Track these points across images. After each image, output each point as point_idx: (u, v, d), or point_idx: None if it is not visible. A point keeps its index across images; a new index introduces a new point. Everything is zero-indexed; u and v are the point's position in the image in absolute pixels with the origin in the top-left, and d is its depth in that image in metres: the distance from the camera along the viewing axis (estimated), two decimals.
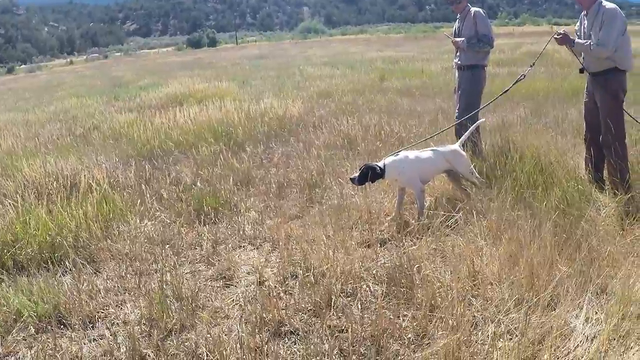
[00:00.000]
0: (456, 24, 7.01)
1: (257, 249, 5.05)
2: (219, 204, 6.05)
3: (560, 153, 6.11)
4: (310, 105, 11.92)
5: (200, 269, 4.72)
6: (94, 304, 4.15)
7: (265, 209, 5.98)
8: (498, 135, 7.02)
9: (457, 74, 6.97)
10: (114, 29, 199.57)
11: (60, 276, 4.68)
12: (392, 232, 4.96)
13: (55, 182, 7.11)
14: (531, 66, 6.12)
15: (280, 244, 4.84)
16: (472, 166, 5.65)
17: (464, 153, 5.63)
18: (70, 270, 4.74)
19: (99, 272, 4.81)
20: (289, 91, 14.68)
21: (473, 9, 6.73)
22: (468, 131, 5.80)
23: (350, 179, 5.33)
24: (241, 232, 5.36)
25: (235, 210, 6.00)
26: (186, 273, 4.63)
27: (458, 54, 6.86)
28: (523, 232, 4.18)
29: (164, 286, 4.17)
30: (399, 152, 5.53)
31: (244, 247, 5.13)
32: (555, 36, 5.50)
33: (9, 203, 5.92)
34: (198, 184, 6.74)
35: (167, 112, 12.38)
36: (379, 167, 5.21)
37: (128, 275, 4.61)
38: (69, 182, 6.86)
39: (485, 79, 6.87)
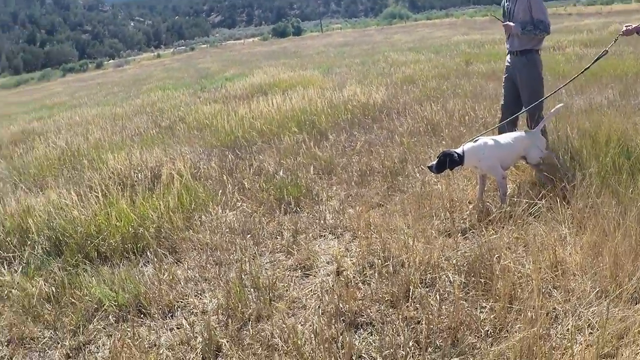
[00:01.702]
0: (505, 3, 6.50)
1: (337, 238, 5.10)
2: (301, 193, 6.15)
3: None
4: (394, 91, 11.84)
5: (280, 258, 4.83)
6: (173, 293, 4.34)
7: (347, 197, 6.02)
8: (584, 118, 6.73)
9: (508, 59, 6.52)
10: (199, 21, 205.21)
11: (142, 266, 4.94)
12: (474, 221, 4.86)
13: (139, 174, 7.42)
14: (615, 40, 5.75)
15: (360, 233, 4.85)
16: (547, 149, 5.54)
17: (542, 138, 5.51)
18: (151, 260, 4.97)
19: (180, 262, 5.01)
20: (374, 78, 14.64)
21: None
22: (547, 116, 5.67)
23: (428, 167, 5.26)
24: (322, 221, 5.43)
25: (316, 199, 6.08)
26: (266, 263, 4.75)
27: (509, 38, 6.43)
28: (607, 220, 4.01)
29: (243, 276, 4.30)
30: (477, 138, 5.40)
31: (324, 236, 5.20)
32: (623, 29, 5.38)
33: (93, 195, 6.20)
34: (280, 173, 6.85)
35: (251, 102, 12.64)
36: (457, 154, 5.13)
37: (208, 265, 4.78)
38: (152, 174, 7.11)
39: (541, 63, 6.40)
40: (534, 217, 4.54)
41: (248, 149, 8.54)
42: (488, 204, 5.19)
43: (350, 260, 4.49)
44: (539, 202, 4.63)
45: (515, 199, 4.92)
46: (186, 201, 6.10)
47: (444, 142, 7.15)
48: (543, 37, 6.22)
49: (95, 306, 4.34)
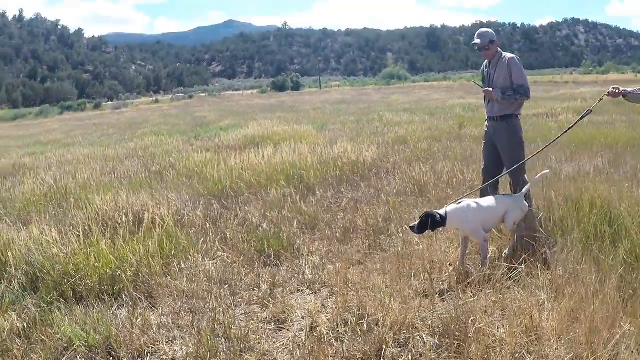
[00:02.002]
0: (485, 70, 6.66)
1: (314, 293, 5.13)
2: (282, 246, 6.19)
3: (634, 204, 5.89)
4: (385, 150, 12.03)
5: (255, 310, 4.84)
6: (145, 338, 4.34)
7: (328, 253, 6.06)
8: (571, 185, 6.86)
9: (487, 124, 6.63)
10: (200, 69, 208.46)
11: (116, 309, 4.92)
12: (453, 283, 4.92)
13: (123, 216, 7.44)
14: (599, 100, 5.84)
15: (337, 289, 4.87)
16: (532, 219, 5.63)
17: (524, 202, 5.56)
18: (126, 303, 4.98)
19: (155, 307, 5.01)
20: (366, 136, 14.87)
21: (507, 56, 6.31)
22: (532, 182, 5.81)
23: (410, 227, 5.33)
24: (300, 276, 5.47)
25: (297, 253, 6.12)
26: (240, 314, 4.77)
27: (489, 104, 6.55)
28: (586, 286, 4.08)
29: (216, 325, 4.29)
30: (460, 200, 5.49)
31: (302, 291, 5.23)
32: (610, 89, 5.60)
33: (75, 234, 6.22)
34: (264, 225, 6.89)
35: (242, 153, 12.75)
36: (440, 215, 5.20)
37: (182, 312, 4.79)
38: (136, 217, 7.16)
39: (521, 128, 6.50)
40: (513, 282, 4.60)
41: (235, 200, 8.60)
42: (468, 266, 5.25)
43: (325, 316, 4.50)
44: (518, 266, 4.68)
45: (496, 263, 4.97)
46: (167, 247, 6.12)
47: (429, 203, 7.23)
48: (523, 102, 6.37)
49: (65, 345, 4.33)
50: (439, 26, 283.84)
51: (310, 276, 5.44)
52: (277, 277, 5.42)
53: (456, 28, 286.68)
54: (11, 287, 5.48)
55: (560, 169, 8.81)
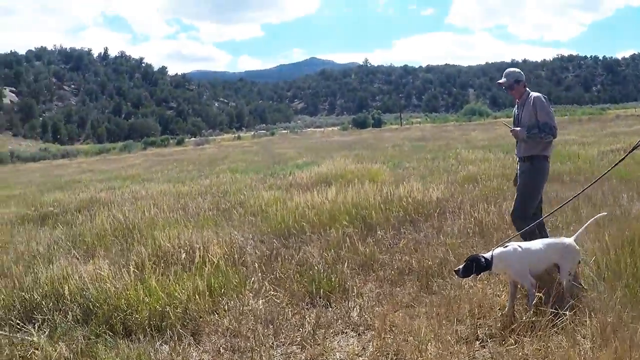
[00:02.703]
0: (515, 110, 6.76)
1: (358, 336, 5.18)
2: (332, 287, 6.25)
3: None
4: (454, 189, 11.95)
5: (294, 351, 4.92)
6: None
7: (378, 295, 6.08)
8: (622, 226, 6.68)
9: (517, 166, 6.74)
10: (282, 107, 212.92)
11: (160, 345, 5.08)
12: (497, 328, 4.84)
13: (184, 254, 7.70)
14: None
15: (379, 333, 4.91)
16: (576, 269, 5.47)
17: (578, 248, 5.45)
18: (171, 339, 5.14)
19: (199, 344, 5.15)
20: (438, 174, 14.78)
21: (533, 95, 6.41)
22: (586, 224, 5.66)
23: (455, 270, 5.33)
24: (346, 318, 5.52)
25: (347, 294, 6.15)
26: (280, 355, 4.84)
27: (517, 145, 6.63)
28: (633, 334, 3.97)
29: None
30: (508, 243, 5.44)
31: (346, 333, 5.30)
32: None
33: (129, 269, 6.51)
34: (319, 266, 6.98)
35: (311, 191, 12.91)
36: (485, 258, 5.20)
37: (222, 350, 4.91)
38: (198, 254, 7.36)
39: (547, 171, 6.55)
40: (559, 328, 4.51)
41: (296, 239, 8.75)
42: (518, 311, 5.18)
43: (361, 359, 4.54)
44: (563, 313, 4.60)
45: (542, 308, 4.90)
46: (216, 285, 6.33)
47: (490, 245, 7.12)
48: (550, 142, 6.39)
49: None
50: (520, 60, 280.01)
51: (356, 318, 5.50)
52: (322, 319, 5.51)
53: (537, 62, 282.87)
54: (65, 319, 5.77)
55: (631, 207, 8.56)
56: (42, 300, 6.31)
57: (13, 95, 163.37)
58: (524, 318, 4.76)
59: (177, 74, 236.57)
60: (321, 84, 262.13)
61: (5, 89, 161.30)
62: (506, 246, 5.38)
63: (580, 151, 18.69)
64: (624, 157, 5.96)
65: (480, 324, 5.00)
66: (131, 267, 6.69)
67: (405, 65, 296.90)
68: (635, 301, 4.66)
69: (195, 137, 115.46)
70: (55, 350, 5.04)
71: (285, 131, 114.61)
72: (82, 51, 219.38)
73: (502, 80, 6.55)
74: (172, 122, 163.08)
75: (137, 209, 13.05)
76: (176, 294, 5.91)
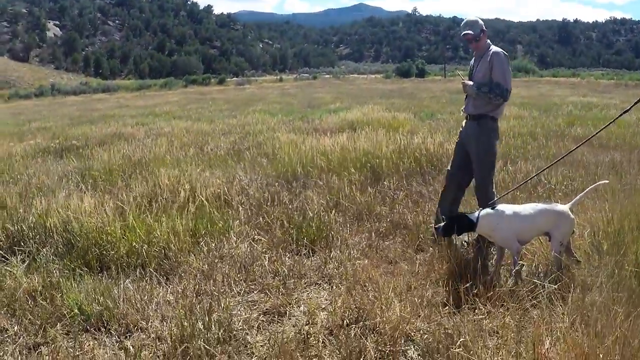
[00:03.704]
0: (472, 62, 6.20)
1: (331, 288, 4.98)
2: (319, 236, 6.06)
3: None
4: None
5: (259, 299, 4.78)
6: (139, 314, 4.43)
7: (364, 248, 5.85)
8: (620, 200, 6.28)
9: (463, 123, 6.27)
10: (327, 51, 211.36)
11: (129, 282, 4.98)
12: (475, 294, 4.57)
13: (183, 192, 7.59)
14: None
15: (350, 287, 4.73)
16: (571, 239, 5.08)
17: (572, 217, 4.99)
18: (142, 278, 5.05)
19: (167, 284, 5.04)
20: None
21: (493, 49, 5.87)
22: (585, 191, 5.22)
23: (435, 227, 5.07)
24: (323, 269, 5.32)
25: (332, 244, 5.95)
26: (243, 302, 4.72)
27: (467, 99, 6.13)
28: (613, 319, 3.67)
29: (210, 310, 4.26)
30: (496, 205, 5.14)
31: (319, 284, 5.13)
32: None
33: (112, 206, 6.43)
34: (312, 213, 6.78)
35: (332, 136, 12.65)
36: (469, 219, 4.93)
37: (188, 291, 4.78)
38: (184, 194, 7.26)
39: (496, 132, 6.04)
40: (537, 302, 4.23)
41: (301, 183, 8.57)
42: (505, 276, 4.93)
43: (325, 315, 4.37)
44: (545, 285, 4.32)
45: (528, 277, 4.64)
46: (200, 225, 6.20)
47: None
48: (500, 104, 5.89)
49: (66, 312, 4.50)
50: (572, 20, 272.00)
51: (332, 270, 5.31)
52: (298, 268, 5.33)
53: (589, 23, 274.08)
54: (45, 252, 5.72)
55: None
56: (29, 232, 6.26)
57: (57, 29, 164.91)
58: (502, 287, 4.50)
59: (222, 13, 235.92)
60: (368, 30, 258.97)
61: (49, 22, 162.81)
62: (494, 208, 5.06)
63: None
64: (613, 120, 5.46)
65: (459, 288, 4.74)
66: (111, 204, 6.57)
67: (455, 17, 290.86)
68: (623, 283, 4.30)
69: (237, 77, 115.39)
70: (28, 282, 5.03)
71: (328, 76, 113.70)
72: None
73: (468, 31, 5.91)
74: (215, 61, 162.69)
75: (152, 146, 13.00)
76: (155, 233, 5.78)
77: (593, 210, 6.06)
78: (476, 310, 4.24)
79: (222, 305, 4.42)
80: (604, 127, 5.56)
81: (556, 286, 4.30)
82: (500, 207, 5.07)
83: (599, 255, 4.99)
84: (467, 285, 4.51)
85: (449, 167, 6.41)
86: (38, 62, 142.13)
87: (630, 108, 4.91)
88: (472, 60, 6.23)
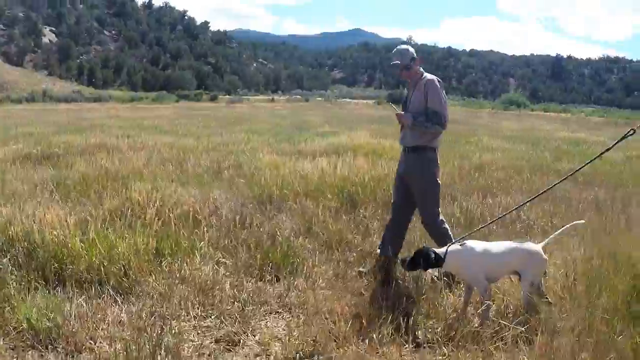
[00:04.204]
0: (405, 91, 6.15)
1: (291, 318, 4.85)
2: (285, 262, 5.94)
3: None
4: (460, 176, 11.47)
5: (213, 325, 4.64)
6: (89, 333, 4.29)
7: (331, 277, 5.73)
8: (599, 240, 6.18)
9: (401, 157, 6.17)
10: (321, 74, 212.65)
11: (84, 299, 4.84)
12: (439, 333, 4.45)
13: (155, 209, 7.44)
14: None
15: (309, 318, 4.60)
16: (543, 279, 4.95)
17: (544, 257, 4.89)
18: (98, 296, 4.92)
19: (124, 304, 4.91)
20: (451, 159, 14.32)
21: (427, 77, 5.78)
22: (559, 231, 5.09)
23: (401, 260, 4.94)
24: (284, 297, 5.20)
25: (297, 271, 5.82)
26: (195, 327, 4.60)
27: (403, 131, 6.01)
28: None
29: (160, 333, 4.12)
30: (464, 241, 4.99)
31: (279, 313, 5.00)
32: None
33: (75, 220, 6.30)
34: (281, 238, 6.66)
35: (314, 159, 12.55)
36: (436, 254, 4.79)
37: (144, 314, 4.64)
38: (150, 211, 7.13)
39: (436, 162, 5.94)
40: (503, 344, 4.10)
41: (275, 206, 8.45)
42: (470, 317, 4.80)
43: (279, 347, 4.24)
44: (516, 327, 4.20)
45: (495, 318, 4.53)
46: (165, 245, 6.09)
47: (472, 238, 6.69)
48: (439, 133, 5.79)
49: (21, 326, 4.38)
50: (565, 56, 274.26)
51: (293, 299, 5.17)
52: (259, 294, 5.20)
53: (582, 60, 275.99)
54: (5, 261, 5.54)
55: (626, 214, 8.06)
56: None
57: (53, 35, 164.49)
58: (466, 328, 4.38)
59: (219, 30, 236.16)
60: (363, 55, 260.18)
61: (45, 28, 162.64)
62: (463, 244, 4.92)
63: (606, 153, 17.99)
64: (596, 157, 5.28)
65: (426, 325, 4.62)
66: (75, 217, 6.43)
67: (449, 47, 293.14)
68: (593, 328, 4.17)
69: (229, 95, 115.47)
70: None
71: (320, 99, 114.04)
72: None
73: (396, 60, 5.87)
74: (208, 77, 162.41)
75: (131, 159, 12.86)
76: (116, 250, 5.63)
77: (569, 250, 5.94)
78: (436, 351, 4.11)
79: (175, 329, 4.29)
80: (586, 164, 5.37)
81: (523, 328, 4.20)
82: (470, 243, 4.93)
83: (571, 297, 4.87)
84: (429, 323, 4.41)
85: (393, 200, 6.31)
86: (32, 67, 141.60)
87: (613, 146, 4.84)
88: (406, 90, 6.17)
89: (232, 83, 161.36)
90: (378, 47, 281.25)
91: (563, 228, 5.13)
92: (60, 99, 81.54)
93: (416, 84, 5.83)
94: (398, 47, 6.04)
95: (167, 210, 7.31)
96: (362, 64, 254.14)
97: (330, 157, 12.99)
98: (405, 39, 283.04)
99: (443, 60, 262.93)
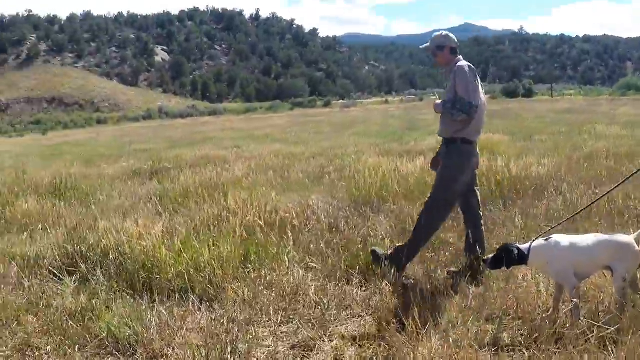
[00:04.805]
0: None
1: (372, 322, 4.74)
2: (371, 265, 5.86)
3: None
4: (567, 168, 10.89)
5: (293, 331, 4.64)
6: (167, 341, 4.39)
7: (421, 278, 5.58)
8: None
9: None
10: (434, 72, 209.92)
11: (167, 308, 4.98)
12: (524, 335, 4.22)
13: (250, 216, 7.57)
14: None
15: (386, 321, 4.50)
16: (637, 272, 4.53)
17: (637, 250, 4.43)
18: (178, 304, 5.13)
19: (207, 311, 5.03)
20: (561, 150, 13.73)
21: (458, 64, 5.67)
22: None
23: (483, 260, 4.73)
24: (369, 301, 5.12)
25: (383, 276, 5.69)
26: (281, 332, 4.65)
27: (440, 120, 5.89)
28: None
29: (235, 340, 4.17)
30: (551, 235, 4.68)
31: (361, 317, 4.92)
32: None
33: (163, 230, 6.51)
34: (373, 240, 6.60)
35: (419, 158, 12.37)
36: (520, 250, 4.53)
37: (224, 321, 4.72)
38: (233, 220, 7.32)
39: (468, 157, 5.73)
40: (592, 345, 3.82)
41: (376, 209, 8.37)
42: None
43: (355, 352, 4.17)
44: (605, 327, 3.92)
45: (587, 317, 4.24)
46: (252, 252, 6.20)
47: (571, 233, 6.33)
48: (468, 122, 5.54)
49: (104, 334, 4.56)
50: None
51: (378, 303, 5.06)
52: (344, 297, 5.17)
53: None
54: (98, 273, 5.81)
55: None
56: (87, 253, 6.40)
57: (165, 54, 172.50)
58: (552, 329, 4.11)
59: (327, 36, 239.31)
60: (474, 50, 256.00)
61: (157, 47, 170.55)
62: (548, 238, 4.62)
63: None
64: None
65: (511, 326, 4.39)
66: (160, 227, 6.62)
67: (562, 35, 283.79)
68: None
69: (343, 100, 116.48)
70: (72, 302, 5.17)
71: (434, 97, 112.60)
72: (233, 12, 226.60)
73: (426, 44, 5.94)
74: (321, 83, 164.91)
75: (234, 169, 13.20)
76: (201, 258, 5.75)
77: None
78: (517, 354, 3.98)
79: (250, 335, 4.32)
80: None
81: (613, 328, 3.91)
82: (555, 237, 4.63)
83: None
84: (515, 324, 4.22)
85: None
86: (147, 86, 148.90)
87: None
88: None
89: (345, 87, 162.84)
90: (488, 41, 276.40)
91: None
92: (176, 114, 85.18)
93: (450, 71, 5.76)
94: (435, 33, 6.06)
95: (258, 217, 7.41)
96: (473, 60, 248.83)
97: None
98: (516, 30, 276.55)
99: (556, 49, 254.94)
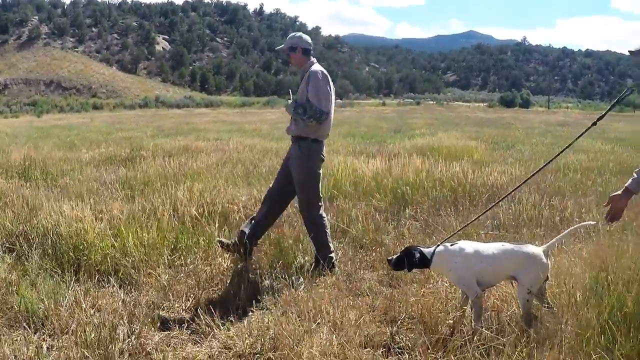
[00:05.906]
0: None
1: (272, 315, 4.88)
2: (296, 266, 6.01)
3: None
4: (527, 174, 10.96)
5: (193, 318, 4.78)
6: (73, 318, 4.57)
7: (339, 278, 5.71)
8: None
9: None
10: (434, 77, 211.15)
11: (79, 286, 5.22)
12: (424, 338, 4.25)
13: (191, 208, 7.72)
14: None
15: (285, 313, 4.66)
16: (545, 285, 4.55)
17: (545, 262, 4.43)
18: (99, 284, 5.35)
19: (125, 294, 5.21)
20: (538, 160, 13.80)
21: (312, 68, 5.84)
22: (564, 233, 4.71)
23: (387, 259, 4.79)
24: (282, 296, 5.23)
25: (300, 271, 5.83)
26: (183, 319, 4.79)
27: (290, 120, 6.03)
28: None
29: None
30: (456, 241, 4.71)
31: (269, 310, 5.03)
32: None
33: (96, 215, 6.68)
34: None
35: (391, 160, 12.43)
36: (422, 254, 4.55)
37: (143, 303, 4.93)
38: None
39: (318, 155, 5.92)
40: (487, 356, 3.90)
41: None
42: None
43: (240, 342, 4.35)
44: (501, 339, 3.96)
45: (486, 326, 4.29)
46: (182, 240, 6.36)
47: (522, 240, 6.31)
48: (319, 126, 5.74)
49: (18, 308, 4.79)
50: None
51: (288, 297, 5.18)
52: (254, 293, 5.33)
53: None
54: (33, 251, 6.02)
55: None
56: (29, 233, 6.61)
57: (166, 43, 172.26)
58: (472, 335, 4.19)
59: (330, 35, 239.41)
60: (476, 58, 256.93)
61: (159, 36, 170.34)
62: (454, 244, 4.62)
63: None
64: (582, 134, 4.93)
65: (414, 329, 4.50)
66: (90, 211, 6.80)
67: (564, 48, 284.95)
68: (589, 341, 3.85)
69: (340, 100, 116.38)
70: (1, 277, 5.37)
71: (432, 102, 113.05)
72: (237, 5, 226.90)
73: (281, 45, 6.08)
74: None
75: (206, 160, 13.36)
76: (126, 243, 5.98)
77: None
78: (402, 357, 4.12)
79: (152, 318, 4.50)
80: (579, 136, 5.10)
81: (505, 339, 3.90)
82: (461, 243, 4.62)
83: (569, 308, 4.48)
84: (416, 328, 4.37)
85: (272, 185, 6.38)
86: (145, 75, 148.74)
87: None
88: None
89: (344, 87, 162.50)
90: (491, 49, 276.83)
91: (569, 229, 4.75)
92: (173, 104, 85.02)
93: (304, 74, 5.93)
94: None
95: (202, 208, 7.59)
96: (475, 67, 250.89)
97: (383, 158, 12.76)
98: (519, 40, 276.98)
99: (558, 61, 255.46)
